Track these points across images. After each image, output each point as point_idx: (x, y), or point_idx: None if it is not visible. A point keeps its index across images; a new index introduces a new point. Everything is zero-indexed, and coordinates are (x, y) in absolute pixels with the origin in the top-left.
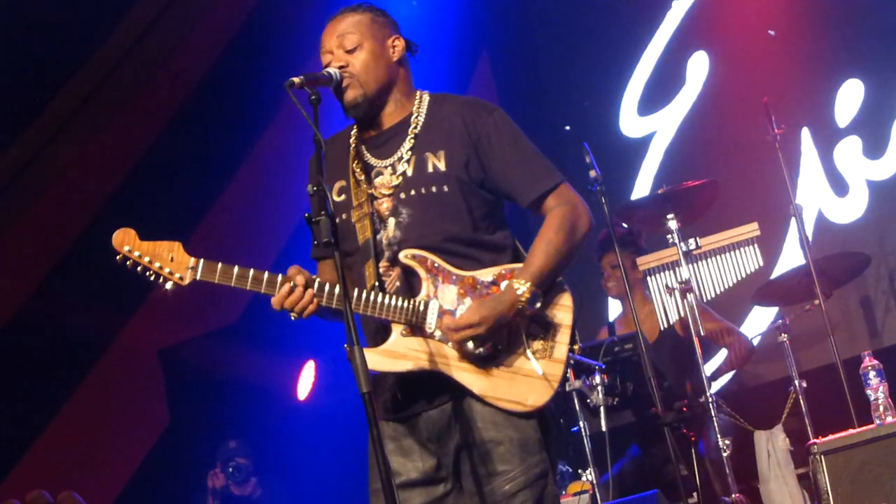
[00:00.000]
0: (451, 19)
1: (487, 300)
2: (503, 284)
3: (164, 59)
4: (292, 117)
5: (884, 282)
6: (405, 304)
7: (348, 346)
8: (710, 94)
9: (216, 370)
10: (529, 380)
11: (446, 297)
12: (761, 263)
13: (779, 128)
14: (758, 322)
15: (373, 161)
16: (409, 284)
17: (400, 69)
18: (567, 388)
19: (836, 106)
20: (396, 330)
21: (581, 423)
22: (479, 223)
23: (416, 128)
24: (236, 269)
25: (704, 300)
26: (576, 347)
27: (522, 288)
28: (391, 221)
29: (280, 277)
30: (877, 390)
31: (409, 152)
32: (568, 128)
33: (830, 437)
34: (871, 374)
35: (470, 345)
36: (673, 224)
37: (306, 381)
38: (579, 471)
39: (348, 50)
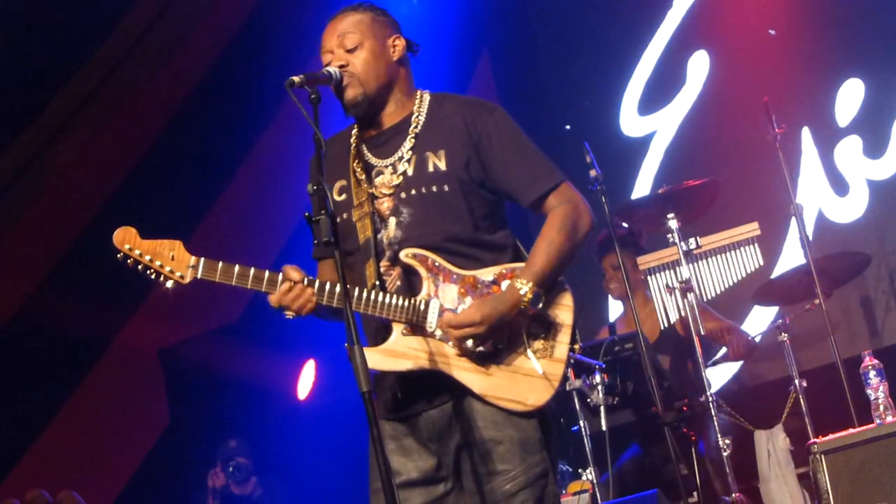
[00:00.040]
0: (451, 19)
1: (489, 299)
2: (504, 284)
3: (164, 59)
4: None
5: (884, 281)
6: (406, 303)
7: (349, 345)
8: (711, 93)
9: (216, 370)
10: (530, 379)
11: (447, 297)
12: (761, 263)
13: (779, 127)
14: (758, 321)
15: (373, 160)
16: (410, 284)
17: (400, 69)
18: (567, 388)
19: (836, 105)
20: (397, 329)
21: (581, 423)
22: (480, 223)
23: (416, 127)
24: (237, 267)
25: (705, 300)
26: (576, 347)
27: (525, 288)
28: (392, 221)
29: (281, 276)
30: (877, 390)
31: (410, 152)
32: (568, 127)
33: (831, 436)
34: (872, 373)
35: (470, 343)
36: (673, 223)
37: (306, 381)
38: (579, 470)
39: (349, 49)
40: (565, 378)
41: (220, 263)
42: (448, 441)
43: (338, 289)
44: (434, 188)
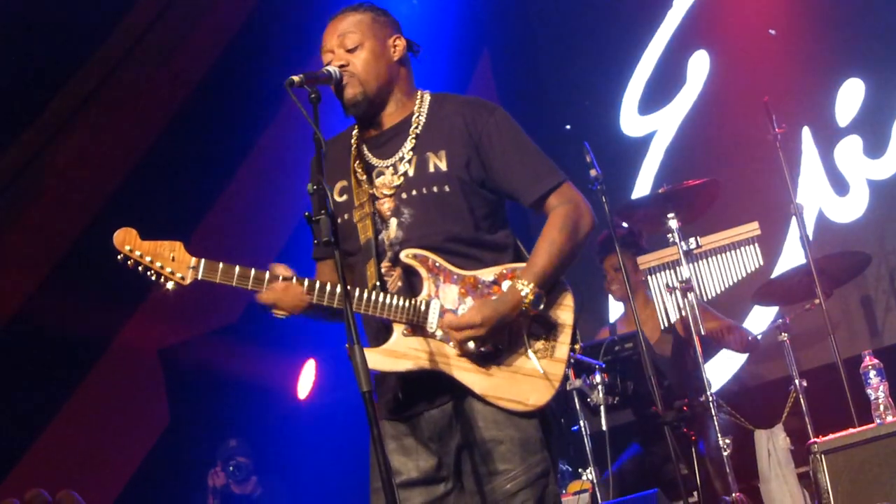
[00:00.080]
0: (451, 19)
1: (490, 300)
2: (504, 284)
3: (164, 59)
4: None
5: (884, 281)
6: (406, 303)
7: (349, 345)
8: (711, 93)
9: (216, 370)
10: (531, 379)
11: (447, 297)
12: (762, 263)
13: (779, 127)
14: (758, 321)
15: (374, 161)
16: (411, 284)
17: (401, 69)
18: (567, 387)
19: (836, 105)
20: (398, 330)
21: (581, 422)
22: (481, 223)
23: (417, 128)
24: (237, 268)
25: (705, 299)
26: (577, 347)
27: (526, 289)
28: (393, 222)
29: (268, 275)
30: (877, 389)
31: (411, 152)
32: (568, 127)
33: (831, 436)
34: (872, 373)
35: (471, 344)
36: (673, 223)
37: (306, 380)
38: (579, 470)
39: (349, 49)
40: (565, 378)
41: (221, 264)
42: (449, 441)
43: (338, 289)
44: (435, 189)
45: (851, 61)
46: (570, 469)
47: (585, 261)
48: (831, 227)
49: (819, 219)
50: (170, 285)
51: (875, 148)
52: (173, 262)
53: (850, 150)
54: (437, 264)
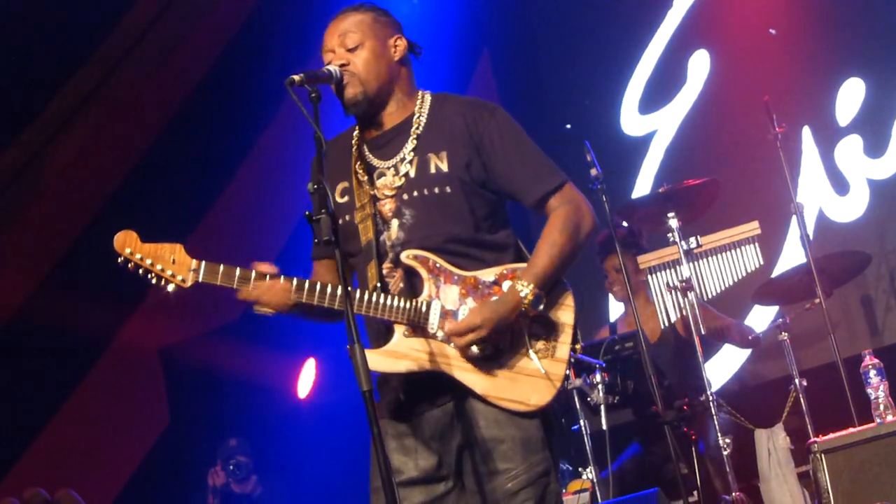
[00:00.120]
0: (451, 18)
1: (490, 302)
2: (505, 284)
3: (164, 59)
4: (293, 117)
5: (884, 280)
6: (407, 304)
7: (350, 345)
8: (711, 92)
9: (216, 369)
10: (532, 379)
11: (448, 298)
12: (762, 262)
13: (780, 126)
14: (758, 321)
15: (375, 162)
16: (412, 285)
17: (401, 69)
18: (568, 387)
19: (836, 105)
20: (399, 330)
21: (581, 422)
22: (482, 223)
23: (418, 128)
24: (238, 270)
25: (705, 299)
26: (577, 347)
27: (525, 290)
28: (394, 223)
29: (282, 278)
30: (877, 389)
31: (412, 153)
32: (569, 126)
33: (831, 435)
34: (872, 372)
35: (475, 349)
36: (674, 223)
37: (306, 380)
38: (580, 469)
39: (350, 49)
40: (566, 377)
41: (221, 266)
42: (450, 440)
43: (338, 290)
44: (436, 189)
45: (851, 61)
46: (571, 468)
47: (586, 261)
48: (831, 226)
49: (819, 218)
50: (170, 288)
51: (875, 147)
52: (174, 265)
53: (850, 150)
54: (438, 265)
